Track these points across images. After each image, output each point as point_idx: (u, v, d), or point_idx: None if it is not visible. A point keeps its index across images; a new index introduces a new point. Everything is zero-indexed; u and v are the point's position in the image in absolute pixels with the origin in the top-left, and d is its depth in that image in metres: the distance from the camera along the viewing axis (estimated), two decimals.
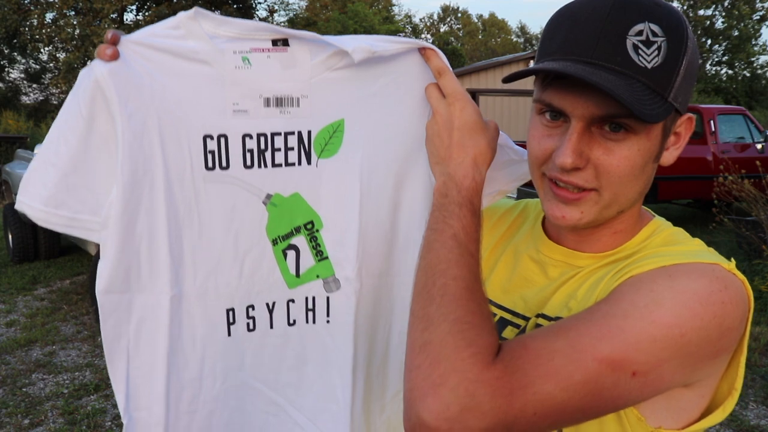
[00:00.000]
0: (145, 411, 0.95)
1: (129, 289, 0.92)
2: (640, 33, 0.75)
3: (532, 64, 0.84)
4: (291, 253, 1.01)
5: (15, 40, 25.46)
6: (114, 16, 22.76)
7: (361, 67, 0.94)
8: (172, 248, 0.93)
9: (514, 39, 55.84)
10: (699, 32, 30.54)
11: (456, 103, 0.90)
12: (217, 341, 1.00)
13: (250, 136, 0.94)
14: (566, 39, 0.79)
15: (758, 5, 30.39)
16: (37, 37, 24.86)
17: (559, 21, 0.82)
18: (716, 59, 32.88)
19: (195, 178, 0.94)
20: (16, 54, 28.67)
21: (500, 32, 56.35)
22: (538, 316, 0.90)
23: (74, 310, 5.57)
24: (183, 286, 0.95)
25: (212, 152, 0.93)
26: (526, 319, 0.92)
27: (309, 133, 0.97)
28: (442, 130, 0.90)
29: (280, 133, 0.96)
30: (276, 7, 28.61)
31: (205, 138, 0.93)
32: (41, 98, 30.53)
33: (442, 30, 54.23)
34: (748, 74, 32.90)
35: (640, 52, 0.75)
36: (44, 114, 24.91)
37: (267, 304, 1.02)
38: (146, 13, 23.95)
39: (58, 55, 26.40)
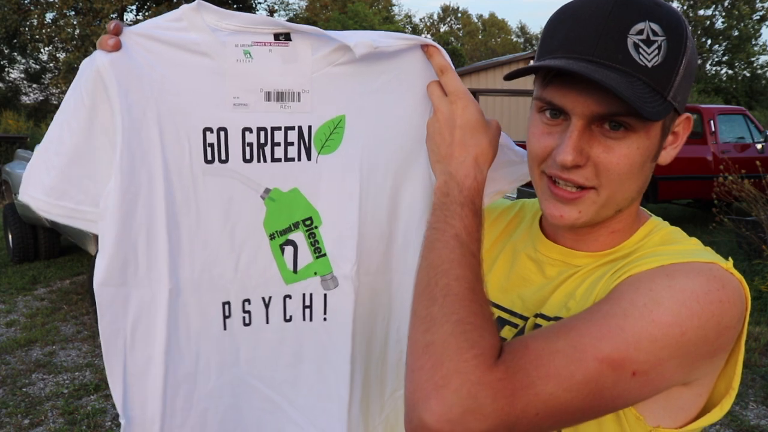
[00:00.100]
0: (140, 409, 0.94)
1: (126, 282, 0.91)
2: (640, 32, 0.75)
3: (532, 63, 0.84)
4: (289, 249, 1.01)
5: (15, 40, 25.45)
6: (114, 16, 22.72)
7: (363, 63, 0.94)
8: (171, 240, 0.93)
9: (514, 39, 55.84)
10: (699, 32, 30.53)
11: (458, 101, 0.90)
12: (212, 335, 0.99)
13: (250, 130, 0.94)
14: (567, 37, 0.79)
15: (758, 5, 30.39)
16: (37, 37, 24.83)
17: (560, 19, 0.82)
18: (716, 59, 32.86)
19: (194, 170, 0.93)
20: (16, 54, 28.69)
21: (500, 32, 56.37)
22: (536, 315, 0.90)
23: (74, 310, 5.57)
24: (180, 277, 0.95)
25: (212, 145, 0.93)
26: (524, 318, 0.92)
27: (309, 128, 0.96)
28: (444, 129, 0.90)
29: (280, 128, 0.95)
30: (276, 7, 28.62)
31: (204, 131, 0.92)
32: (41, 98, 30.59)
33: (442, 30, 54.22)
34: (748, 74, 32.87)
35: (640, 50, 0.75)
36: (44, 114, 24.95)
37: (263, 299, 1.01)
38: (146, 13, 23.97)
39: (58, 55, 26.38)
